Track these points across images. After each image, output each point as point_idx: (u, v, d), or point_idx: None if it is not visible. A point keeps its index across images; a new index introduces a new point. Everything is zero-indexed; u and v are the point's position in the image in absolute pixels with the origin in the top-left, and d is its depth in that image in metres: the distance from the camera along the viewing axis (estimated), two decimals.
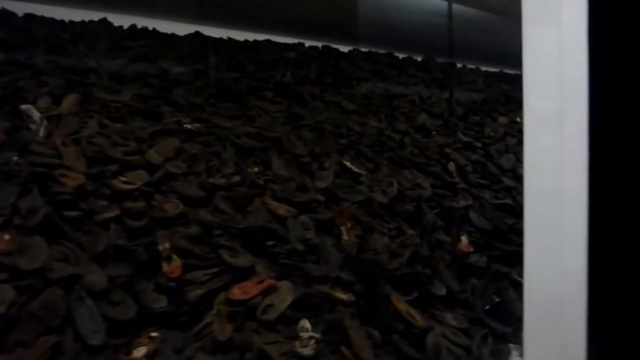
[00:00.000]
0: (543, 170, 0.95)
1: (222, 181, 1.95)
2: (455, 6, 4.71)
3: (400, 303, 1.87)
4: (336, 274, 1.85)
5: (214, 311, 1.59)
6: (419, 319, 1.83)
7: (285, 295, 1.70)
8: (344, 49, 4.53)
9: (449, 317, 1.93)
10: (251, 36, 4.14)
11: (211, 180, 1.94)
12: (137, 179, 1.84)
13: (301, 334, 1.59)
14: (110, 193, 1.78)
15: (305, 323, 1.63)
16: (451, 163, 2.69)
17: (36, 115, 1.98)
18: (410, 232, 2.21)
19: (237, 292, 1.65)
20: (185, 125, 2.26)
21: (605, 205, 0.80)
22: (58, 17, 3.33)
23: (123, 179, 1.81)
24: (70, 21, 3.36)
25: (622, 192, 0.79)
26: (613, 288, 0.80)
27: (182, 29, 3.86)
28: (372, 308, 1.83)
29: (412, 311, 1.86)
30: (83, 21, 3.46)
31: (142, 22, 3.75)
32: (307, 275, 1.82)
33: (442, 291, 2.01)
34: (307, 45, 4.23)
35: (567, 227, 0.87)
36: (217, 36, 3.91)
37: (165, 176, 1.91)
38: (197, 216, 1.81)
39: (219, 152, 2.13)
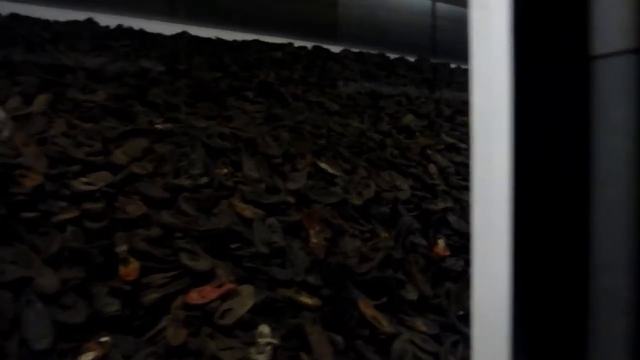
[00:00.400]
0: (483, 173, 0.91)
1: (187, 182, 1.91)
2: (449, 6, 4.66)
3: (367, 308, 1.82)
4: (302, 277, 1.81)
5: (170, 316, 1.56)
6: (385, 325, 1.78)
7: (246, 299, 1.66)
8: (336, 49, 4.50)
9: (419, 323, 1.88)
10: (241, 36, 4.12)
11: (176, 181, 1.91)
12: (99, 180, 1.81)
13: (259, 339, 1.55)
14: (70, 194, 1.74)
15: (264, 328, 1.59)
16: (432, 165, 2.64)
17: (1, 115, 1.95)
18: (384, 234, 2.16)
19: (194, 296, 1.62)
20: (156, 126, 2.23)
21: (525, 210, 0.75)
22: (46, 18, 3.33)
23: (84, 179, 1.78)
24: (55, 21, 3.35)
25: (543, 196, 0.74)
26: (535, 294, 0.76)
27: (170, 29, 3.85)
28: (337, 313, 1.78)
29: (380, 316, 1.81)
30: (68, 21, 3.46)
31: (130, 22, 3.74)
32: (272, 279, 1.78)
33: (413, 296, 1.96)
34: (296, 45, 4.20)
35: (494, 231, 0.82)
36: (206, 36, 3.90)
37: (130, 177, 1.88)
38: (159, 218, 1.77)
39: (188, 153, 2.10)
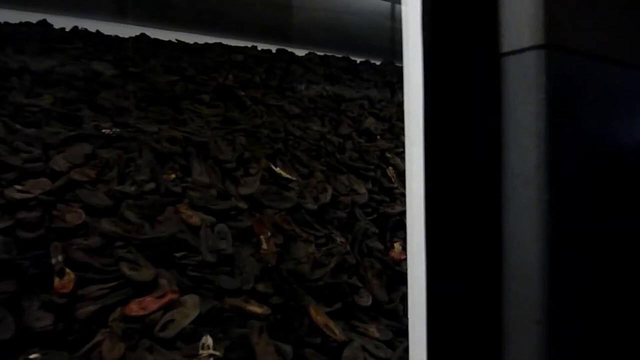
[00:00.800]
0: (409, 174, 0.87)
1: (131, 189, 1.84)
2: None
3: (319, 315, 1.78)
4: (251, 285, 1.75)
5: (107, 329, 1.48)
6: (337, 332, 1.74)
7: (190, 310, 1.60)
8: (301, 52, 4.46)
9: (372, 329, 1.84)
10: (204, 39, 4.05)
11: (119, 188, 1.83)
12: (35, 188, 1.72)
13: (201, 351, 1.49)
14: (4, 203, 1.65)
15: (207, 339, 1.53)
16: (390, 168, 2.62)
17: None
18: (340, 239, 2.12)
19: (134, 308, 1.55)
20: (103, 130, 2.14)
21: (436, 214, 0.72)
22: None
23: (18, 187, 1.69)
24: (5, 22, 3.23)
25: (453, 199, 0.71)
26: (448, 294, 0.73)
27: (128, 31, 3.76)
28: (287, 321, 1.73)
29: (331, 324, 1.77)
30: (19, 23, 3.34)
31: (87, 24, 3.63)
32: (219, 288, 1.72)
33: (367, 301, 1.92)
34: (260, 48, 4.15)
35: (414, 232, 0.80)
36: (166, 39, 3.82)
37: (70, 184, 1.80)
38: (99, 227, 1.70)
39: (135, 159, 2.02)
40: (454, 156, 0.69)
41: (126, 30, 3.73)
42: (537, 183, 0.65)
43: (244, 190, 2.07)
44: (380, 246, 2.21)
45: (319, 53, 4.49)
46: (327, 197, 2.27)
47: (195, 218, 1.83)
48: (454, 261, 0.71)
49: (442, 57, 0.69)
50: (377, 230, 2.28)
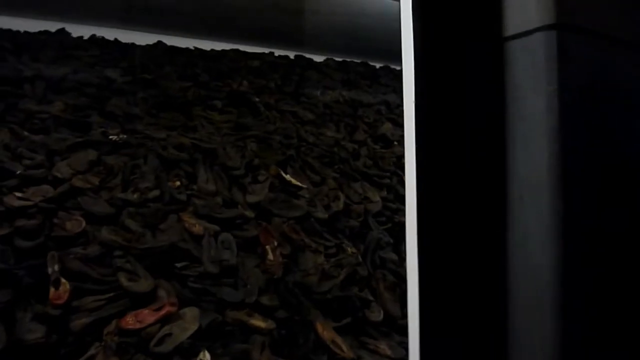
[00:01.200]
0: (407, 180, 0.78)
1: (134, 196, 1.79)
2: None
3: (325, 331, 1.68)
4: (254, 298, 1.67)
5: (101, 342, 1.42)
6: (345, 349, 1.64)
7: (189, 323, 1.53)
8: (319, 58, 4.40)
9: (384, 346, 1.73)
10: (221, 46, 4.03)
11: (122, 195, 1.78)
12: (36, 195, 1.69)
13: None
14: (3, 210, 1.62)
15: (205, 355, 1.46)
16: None
17: None
18: (351, 250, 2.02)
19: (130, 321, 1.48)
20: (110, 137, 2.11)
21: (431, 219, 0.62)
22: (17, 29, 3.24)
23: (18, 194, 1.65)
24: (25, 32, 3.26)
25: (449, 204, 0.61)
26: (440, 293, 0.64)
27: (146, 39, 3.76)
28: (292, 336, 1.64)
29: (339, 340, 1.67)
30: (38, 32, 3.37)
31: (104, 32, 3.65)
32: (221, 301, 1.64)
33: (378, 316, 1.82)
34: (277, 54, 4.10)
35: (409, 234, 0.72)
36: (183, 46, 3.81)
37: (72, 191, 1.76)
38: (99, 235, 1.64)
39: (140, 165, 1.97)
40: (449, 159, 0.59)
41: (143, 39, 3.74)
42: (548, 189, 0.54)
43: (251, 198, 2.00)
44: (394, 257, 2.10)
45: (337, 59, 4.42)
46: (339, 206, 2.18)
47: (198, 227, 1.76)
48: (447, 277, 0.61)
49: (435, 44, 0.60)
50: (391, 240, 2.17)
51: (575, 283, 0.55)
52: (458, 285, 0.62)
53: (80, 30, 3.63)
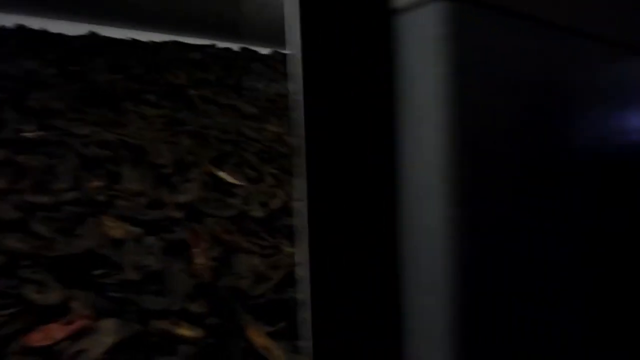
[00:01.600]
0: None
1: (46, 199, 1.63)
2: None
3: (259, 337, 1.59)
4: (181, 305, 1.56)
5: None
6: (279, 355, 1.55)
7: (105, 337, 1.40)
8: (265, 51, 4.28)
9: None
10: (161, 37, 3.84)
11: (32, 198, 1.62)
12: None
13: None
14: None
15: None
16: None
17: None
18: (289, 250, 1.93)
19: (37, 337, 1.34)
20: (25, 134, 1.93)
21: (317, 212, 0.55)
22: None
23: None
24: None
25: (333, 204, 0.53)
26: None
27: (77, 29, 3.53)
28: (222, 345, 1.54)
29: (273, 345, 1.58)
30: None
31: (32, 22, 3.40)
32: (143, 310, 1.52)
33: None
34: (220, 46, 3.95)
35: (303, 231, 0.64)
36: (119, 37, 3.60)
37: None
38: (3, 243, 1.48)
39: (56, 165, 1.81)
40: (335, 151, 0.51)
41: (75, 29, 3.51)
42: (442, 191, 0.47)
43: (180, 198, 1.88)
44: None
45: (283, 51, 4.31)
46: (277, 203, 2.09)
47: (119, 230, 1.63)
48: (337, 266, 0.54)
49: (318, 23, 0.51)
50: None
51: (470, 272, 0.49)
52: (349, 272, 0.55)
53: (5, 19, 3.37)
